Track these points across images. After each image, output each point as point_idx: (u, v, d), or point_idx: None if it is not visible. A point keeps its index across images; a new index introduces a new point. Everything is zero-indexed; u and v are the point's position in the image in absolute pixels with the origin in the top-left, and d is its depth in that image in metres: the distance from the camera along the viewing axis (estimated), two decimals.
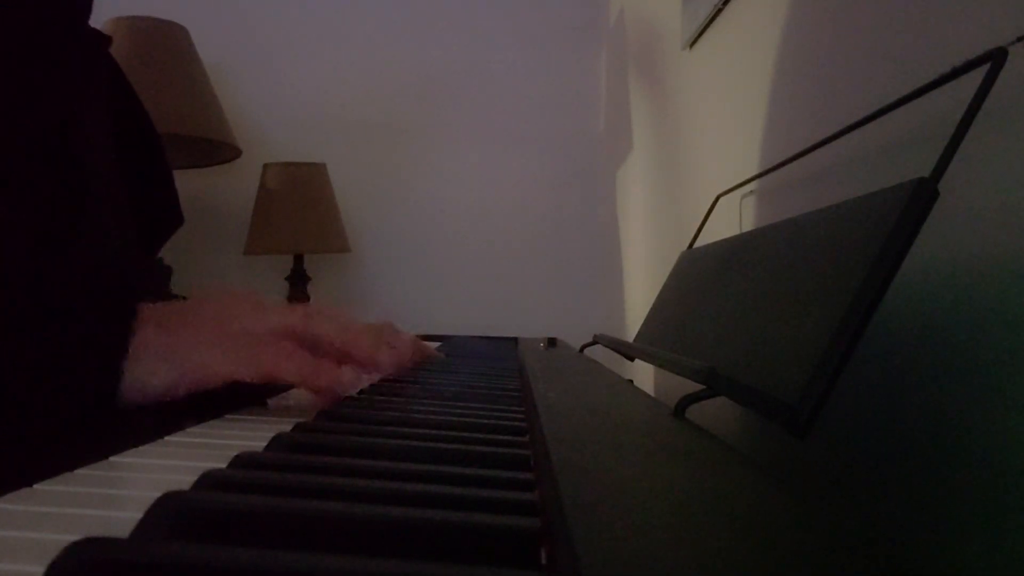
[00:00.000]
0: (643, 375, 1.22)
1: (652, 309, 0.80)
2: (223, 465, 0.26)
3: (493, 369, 0.68)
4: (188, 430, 0.36)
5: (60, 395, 0.35)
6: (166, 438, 0.34)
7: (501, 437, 0.33)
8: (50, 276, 0.37)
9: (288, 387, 0.51)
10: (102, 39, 0.54)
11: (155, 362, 0.38)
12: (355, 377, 0.43)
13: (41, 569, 0.16)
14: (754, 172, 0.71)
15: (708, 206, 0.83)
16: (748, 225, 0.78)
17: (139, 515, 0.19)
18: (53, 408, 0.35)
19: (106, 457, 0.29)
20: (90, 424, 0.36)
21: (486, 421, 0.38)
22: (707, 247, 0.70)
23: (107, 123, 0.53)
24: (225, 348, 0.39)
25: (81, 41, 0.50)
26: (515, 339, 1.20)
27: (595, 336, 0.91)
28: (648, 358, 0.62)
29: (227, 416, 0.41)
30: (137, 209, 0.55)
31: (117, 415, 0.38)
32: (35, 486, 0.24)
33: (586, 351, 0.89)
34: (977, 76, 0.36)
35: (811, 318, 0.36)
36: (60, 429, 0.36)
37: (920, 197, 0.34)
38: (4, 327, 0.35)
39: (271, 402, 0.47)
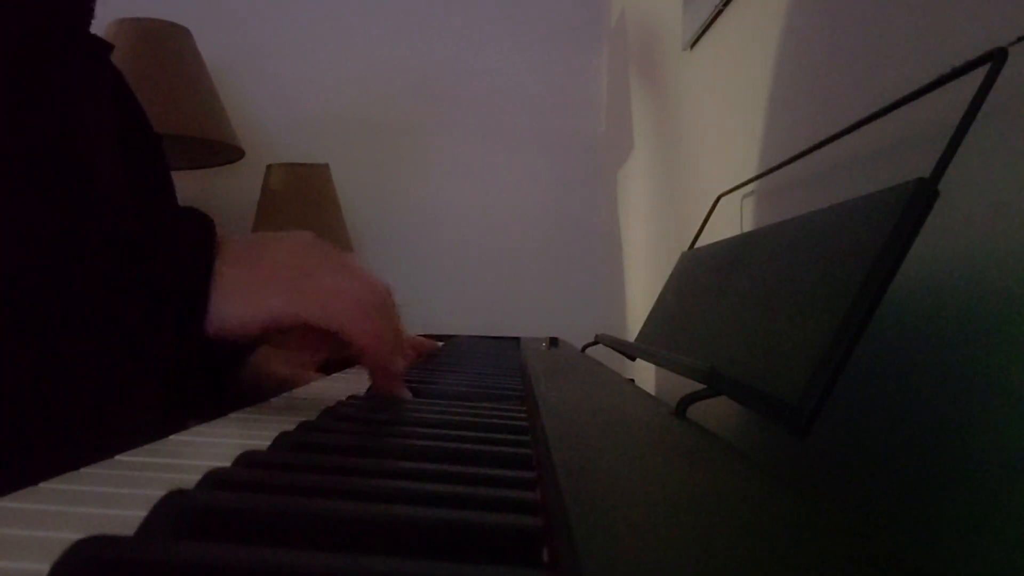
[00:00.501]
0: (644, 375, 1.22)
1: (653, 309, 0.80)
2: (227, 464, 0.26)
3: (495, 369, 0.68)
4: (192, 429, 0.36)
5: (153, 334, 0.37)
6: (171, 437, 0.34)
7: (503, 436, 0.34)
8: (60, 280, 0.37)
9: (338, 351, 0.50)
10: (104, 46, 0.54)
11: (231, 297, 0.39)
12: (402, 368, 0.43)
13: (46, 567, 0.16)
14: (755, 172, 0.71)
15: (709, 206, 0.84)
16: (749, 225, 0.78)
17: (144, 514, 0.19)
18: (148, 349, 0.36)
19: (111, 456, 0.29)
20: (97, 421, 0.37)
21: (489, 420, 0.38)
22: (708, 247, 0.70)
23: (111, 130, 0.53)
24: (298, 291, 0.40)
25: (83, 48, 0.50)
26: (517, 339, 1.20)
27: (597, 336, 0.91)
28: (649, 358, 0.62)
29: (231, 415, 0.41)
30: (139, 215, 0.56)
31: (124, 412, 0.38)
32: (40, 484, 0.25)
33: (588, 351, 0.89)
34: (977, 76, 0.36)
35: (812, 318, 0.36)
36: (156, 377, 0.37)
37: (920, 197, 0.34)
38: (17, 330, 0.35)
39: (275, 401, 0.48)
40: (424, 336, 1.27)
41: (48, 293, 0.37)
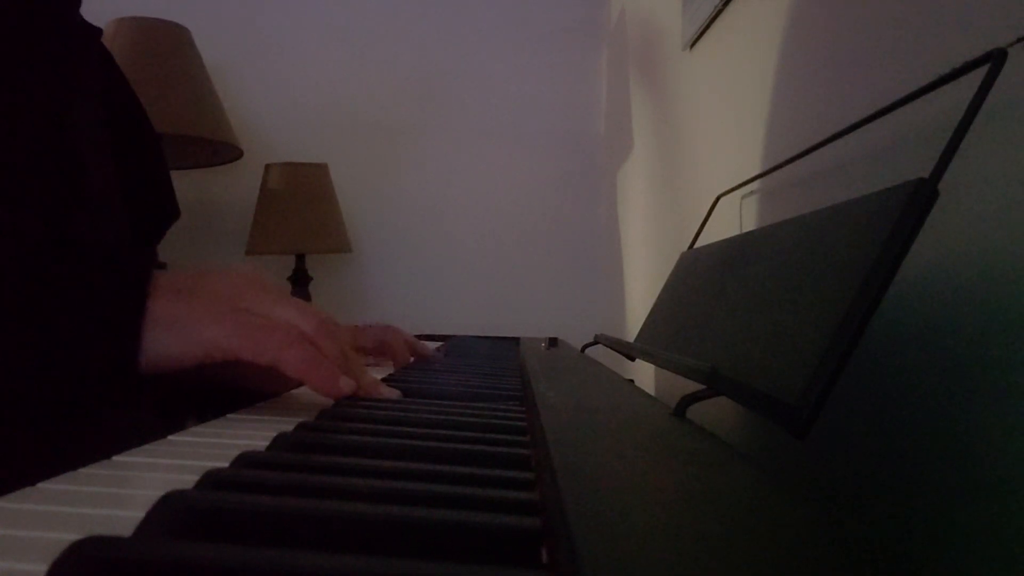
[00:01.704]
0: (644, 375, 1.22)
1: (653, 309, 0.80)
2: (226, 464, 0.26)
3: (494, 369, 0.68)
4: (191, 429, 0.36)
5: (81, 369, 0.36)
6: (169, 437, 0.34)
7: (502, 437, 0.34)
8: (47, 268, 0.37)
9: (287, 384, 0.51)
10: (92, 31, 0.53)
11: (166, 331, 0.38)
12: (352, 386, 0.43)
13: (45, 568, 0.16)
14: (754, 172, 0.71)
15: (708, 206, 0.84)
16: (748, 225, 0.78)
17: (142, 514, 0.19)
18: (73, 385, 0.35)
19: (109, 456, 0.29)
20: (95, 421, 0.37)
21: (487, 421, 0.38)
22: (708, 247, 0.70)
23: (100, 114, 0.52)
24: (234, 324, 0.39)
25: (72, 33, 0.50)
26: (516, 339, 1.20)
27: (596, 336, 0.91)
28: (649, 358, 0.62)
29: (229, 416, 0.41)
30: (132, 201, 0.55)
31: (121, 411, 0.38)
32: (39, 485, 0.25)
33: (587, 351, 0.89)
34: (977, 77, 0.36)
35: (811, 318, 0.36)
36: (80, 410, 0.36)
37: (920, 197, 0.34)
38: (4, 321, 0.35)
39: (273, 402, 0.48)
40: (423, 336, 1.27)
41: (40, 283, 0.36)
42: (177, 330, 0.38)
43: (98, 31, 0.54)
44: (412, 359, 0.75)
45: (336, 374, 0.41)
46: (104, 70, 0.56)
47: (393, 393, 0.47)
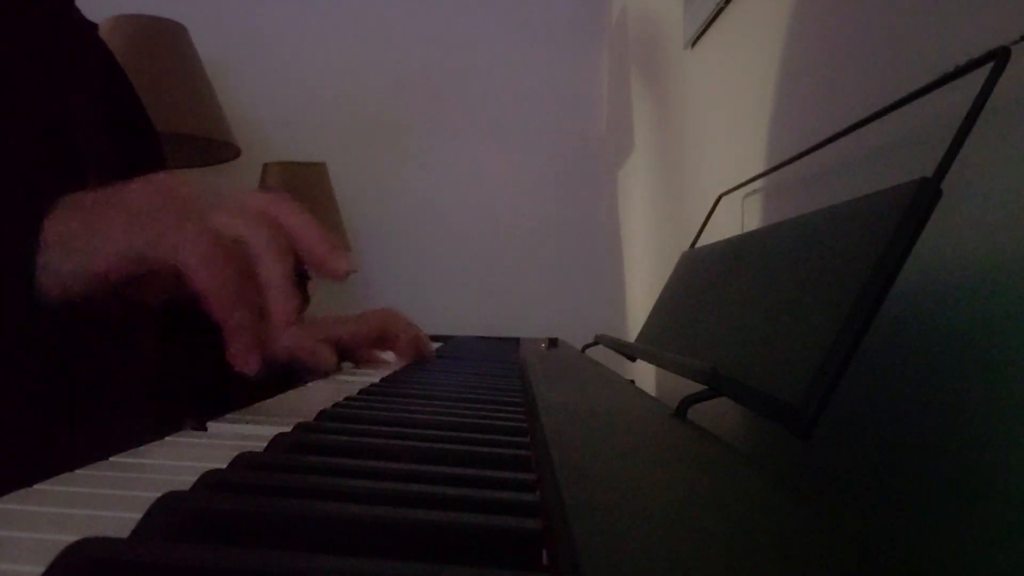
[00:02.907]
0: (645, 375, 1.22)
1: (654, 309, 0.80)
2: (223, 465, 0.26)
3: (494, 369, 0.68)
4: (189, 430, 0.36)
5: None
6: (166, 438, 0.34)
7: (502, 438, 0.33)
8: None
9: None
10: (89, 25, 0.53)
11: (63, 250, 0.34)
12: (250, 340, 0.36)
13: (41, 569, 0.16)
14: (756, 172, 0.71)
15: (710, 206, 0.83)
16: (750, 225, 0.77)
17: (139, 516, 0.19)
18: None
19: (106, 457, 0.29)
20: (90, 422, 0.36)
21: (487, 422, 0.38)
22: (709, 247, 0.70)
23: (98, 109, 0.52)
24: (144, 229, 0.34)
25: (67, 27, 0.49)
26: (517, 339, 1.20)
27: (596, 336, 0.90)
28: (650, 358, 0.62)
29: (227, 416, 0.41)
30: None
31: (115, 412, 0.37)
32: (35, 486, 0.24)
33: (588, 351, 0.89)
34: (980, 75, 0.35)
35: (814, 318, 0.36)
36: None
37: (923, 197, 0.33)
38: None
39: (271, 402, 0.47)
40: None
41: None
42: (80, 245, 0.34)
43: (94, 25, 0.54)
44: (415, 355, 0.70)
45: (234, 298, 0.35)
46: (102, 65, 0.55)
47: (330, 362, 0.42)
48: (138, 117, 0.59)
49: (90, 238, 0.34)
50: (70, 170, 0.45)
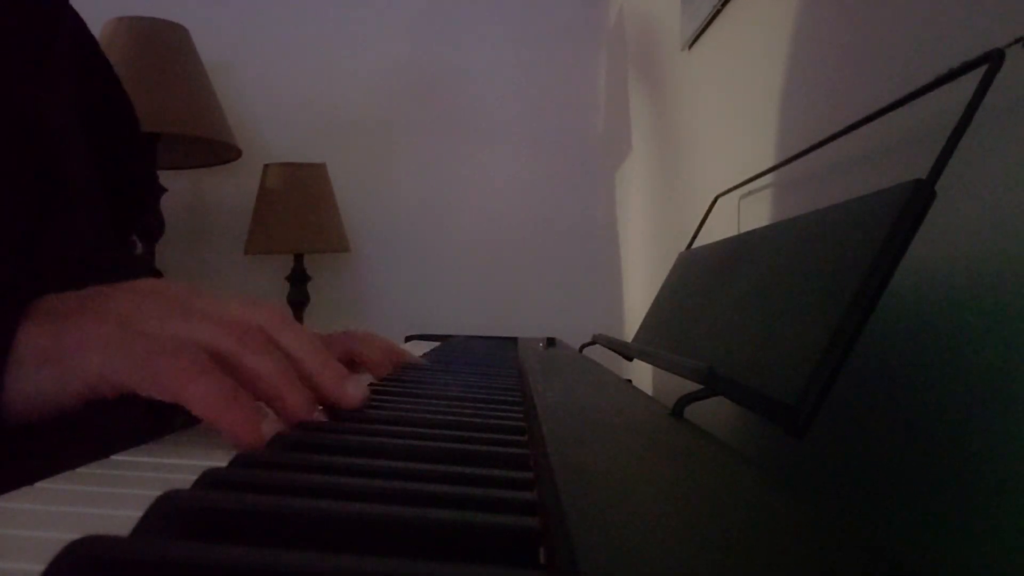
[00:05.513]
0: (642, 375, 1.22)
1: (651, 309, 0.80)
2: (224, 464, 0.26)
3: (492, 369, 0.68)
4: (189, 428, 0.36)
5: None
6: (166, 437, 0.34)
7: (500, 436, 0.33)
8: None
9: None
10: (59, 3, 0.49)
11: (37, 365, 0.30)
12: (276, 426, 0.32)
13: (41, 567, 0.16)
14: (753, 173, 0.71)
15: (707, 206, 0.84)
16: (747, 225, 0.78)
17: (139, 514, 0.19)
18: None
19: (107, 455, 0.29)
20: (91, 423, 0.36)
21: (485, 420, 0.38)
22: (706, 247, 0.70)
23: (73, 96, 0.49)
24: (124, 350, 0.31)
25: (33, 8, 0.46)
26: (514, 339, 1.20)
27: (594, 336, 0.91)
28: (647, 358, 0.62)
29: None
30: (109, 189, 0.52)
31: (115, 410, 0.36)
32: (36, 484, 0.24)
33: (585, 351, 0.89)
34: (975, 78, 0.36)
35: (809, 318, 0.36)
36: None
37: (917, 198, 0.34)
38: None
39: None
40: (422, 336, 1.27)
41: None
42: (53, 363, 0.30)
43: (64, 3, 0.50)
44: (390, 368, 0.64)
45: (254, 416, 0.31)
46: (79, 49, 0.52)
47: (356, 398, 0.38)
48: (118, 106, 0.56)
49: (71, 355, 0.31)
50: (44, 162, 0.43)
